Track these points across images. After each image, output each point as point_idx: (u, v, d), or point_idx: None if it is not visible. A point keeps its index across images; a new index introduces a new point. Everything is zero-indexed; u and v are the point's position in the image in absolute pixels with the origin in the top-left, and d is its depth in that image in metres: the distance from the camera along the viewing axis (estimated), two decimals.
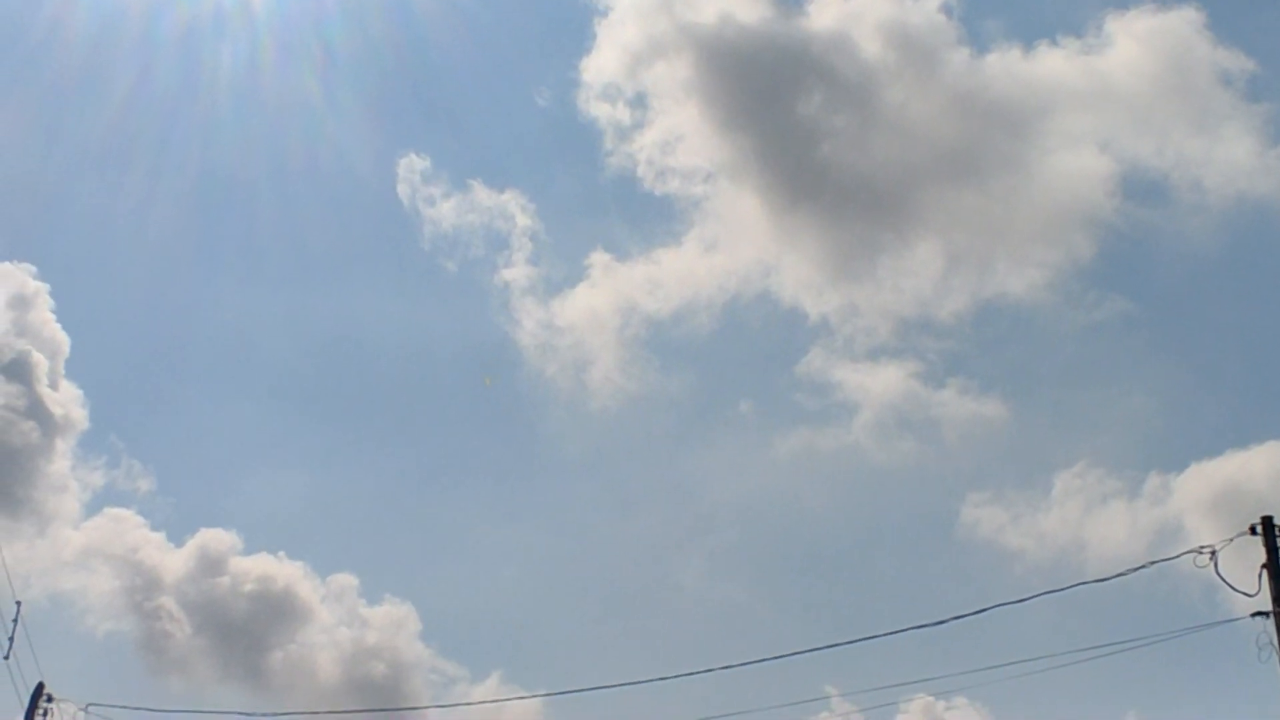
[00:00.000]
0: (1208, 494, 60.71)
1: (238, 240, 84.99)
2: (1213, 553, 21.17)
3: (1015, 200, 71.82)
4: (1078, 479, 70.58)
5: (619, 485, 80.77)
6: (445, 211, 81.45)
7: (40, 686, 27.83)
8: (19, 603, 28.19)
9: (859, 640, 25.97)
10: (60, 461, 59.81)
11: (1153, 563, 22.66)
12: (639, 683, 29.49)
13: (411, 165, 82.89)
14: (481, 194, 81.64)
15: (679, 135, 78.11)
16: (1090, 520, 69.49)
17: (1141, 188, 75.94)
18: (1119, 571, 22.96)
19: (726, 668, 27.75)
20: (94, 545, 60.59)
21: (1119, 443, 74.00)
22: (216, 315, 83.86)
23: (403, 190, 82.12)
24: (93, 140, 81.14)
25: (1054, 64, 74.37)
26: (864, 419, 76.03)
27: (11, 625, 27.70)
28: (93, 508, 64.88)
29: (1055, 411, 77.58)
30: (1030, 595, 24.33)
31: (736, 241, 78.80)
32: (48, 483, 58.66)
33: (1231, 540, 21.09)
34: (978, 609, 24.28)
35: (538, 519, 79.77)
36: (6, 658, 27.60)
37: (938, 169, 72.38)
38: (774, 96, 72.27)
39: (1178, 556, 21.85)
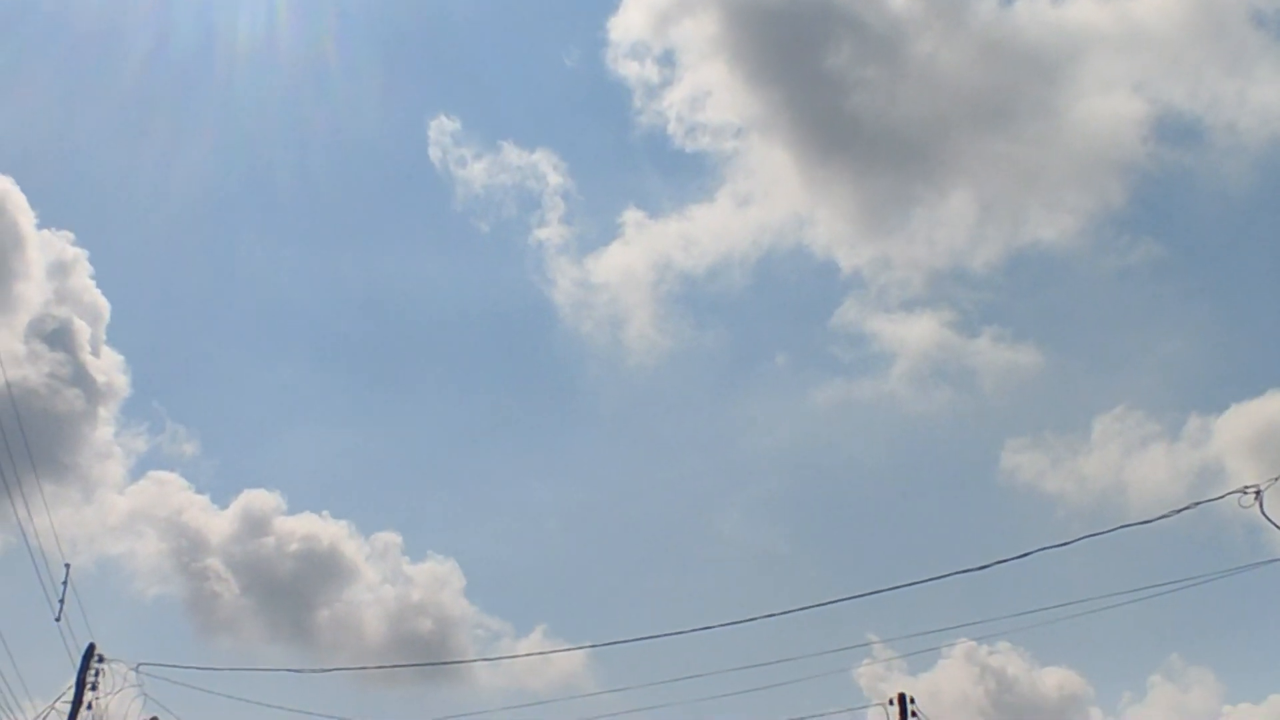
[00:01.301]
0: (1248, 434, 60.59)
1: (271, 203, 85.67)
2: (1258, 492, 21.18)
3: (1047, 147, 71.31)
4: (1117, 422, 70.40)
5: (658, 439, 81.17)
6: (476, 173, 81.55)
7: (91, 648, 28.01)
8: (68, 565, 28.36)
9: (901, 586, 26.24)
10: (104, 428, 60.68)
11: (1197, 504, 22.73)
12: (681, 633, 29.57)
13: (442, 127, 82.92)
14: (512, 154, 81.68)
15: (708, 91, 77.88)
16: (1130, 463, 69.38)
17: (1175, 131, 75.17)
18: (1162, 513, 23.09)
19: (769, 616, 28.02)
20: (139, 509, 61.51)
21: (1158, 385, 73.78)
22: (254, 277, 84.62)
23: (434, 153, 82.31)
24: (115, 107, 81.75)
25: (1084, 8, 73.51)
26: (900, 369, 76.14)
27: (61, 588, 27.84)
28: (137, 473, 65.96)
29: (1092, 356, 77.42)
30: (1073, 539, 24.28)
31: (769, 196, 78.64)
32: (92, 449, 59.58)
33: (1277, 479, 21.12)
34: (1020, 553, 24.24)
35: (578, 473, 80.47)
36: (58, 619, 27.77)
37: (969, 118, 71.87)
38: (802, 49, 71.64)
39: (1222, 497, 21.90)
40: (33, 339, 54.06)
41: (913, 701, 30.74)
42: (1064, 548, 24.14)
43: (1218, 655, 60.09)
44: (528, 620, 77.43)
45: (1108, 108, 71.67)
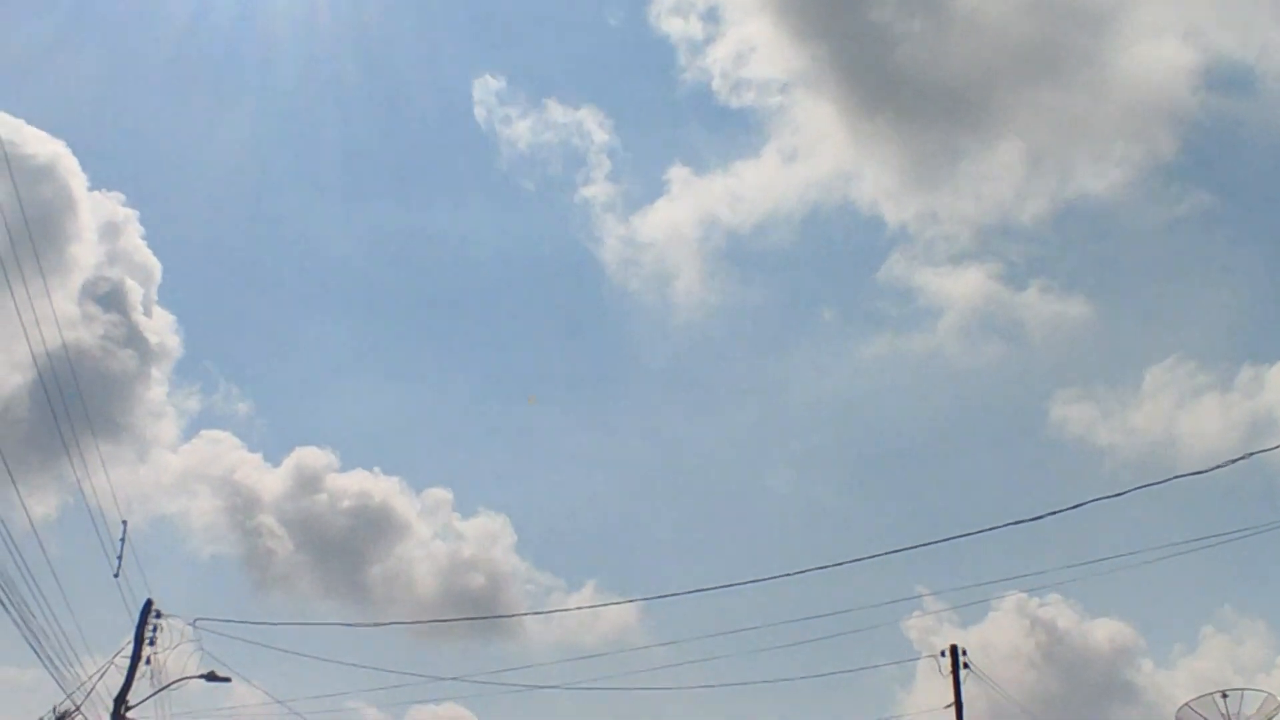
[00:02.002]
0: None
1: (317, 163, 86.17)
2: None
3: (1095, 97, 70.45)
4: (1168, 373, 69.86)
5: (706, 393, 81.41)
6: (521, 131, 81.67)
7: (149, 603, 28.43)
8: (125, 522, 28.75)
9: (951, 539, 25.93)
10: (156, 388, 61.66)
11: (1250, 454, 22.58)
12: (731, 586, 29.86)
13: (487, 86, 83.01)
14: (557, 112, 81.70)
15: (752, 47, 77.46)
16: (1182, 414, 68.91)
17: (1225, 79, 74.03)
18: (1216, 464, 22.92)
19: (818, 569, 28.05)
20: (193, 468, 62.55)
21: (1210, 336, 73.05)
22: (303, 235, 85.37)
23: (479, 112, 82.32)
24: (160, 68, 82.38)
25: None
26: (947, 323, 75.88)
27: (119, 544, 28.21)
28: (189, 432, 66.97)
29: (1143, 307, 76.75)
30: (1126, 489, 24.21)
31: (814, 151, 78.26)
32: (146, 409, 60.59)
33: None
34: (1073, 504, 23.90)
35: (627, 429, 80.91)
36: (117, 576, 28.16)
37: (1015, 69, 71.12)
38: (846, 2, 71.20)
39: (1276, 448, 21.77)
40: (86, 301, 55.03)
41: (964, 653, 31.11)
42: (1116, 499, 24.02)
43: (1271, 606, 59.86)
44: (578, 575, 78.37)
45: (1157, 56, 70.71)
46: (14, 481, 22.89)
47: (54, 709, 27.31)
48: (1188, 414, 69.45)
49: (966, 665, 31.01)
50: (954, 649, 31.13)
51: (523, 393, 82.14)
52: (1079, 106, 70.91)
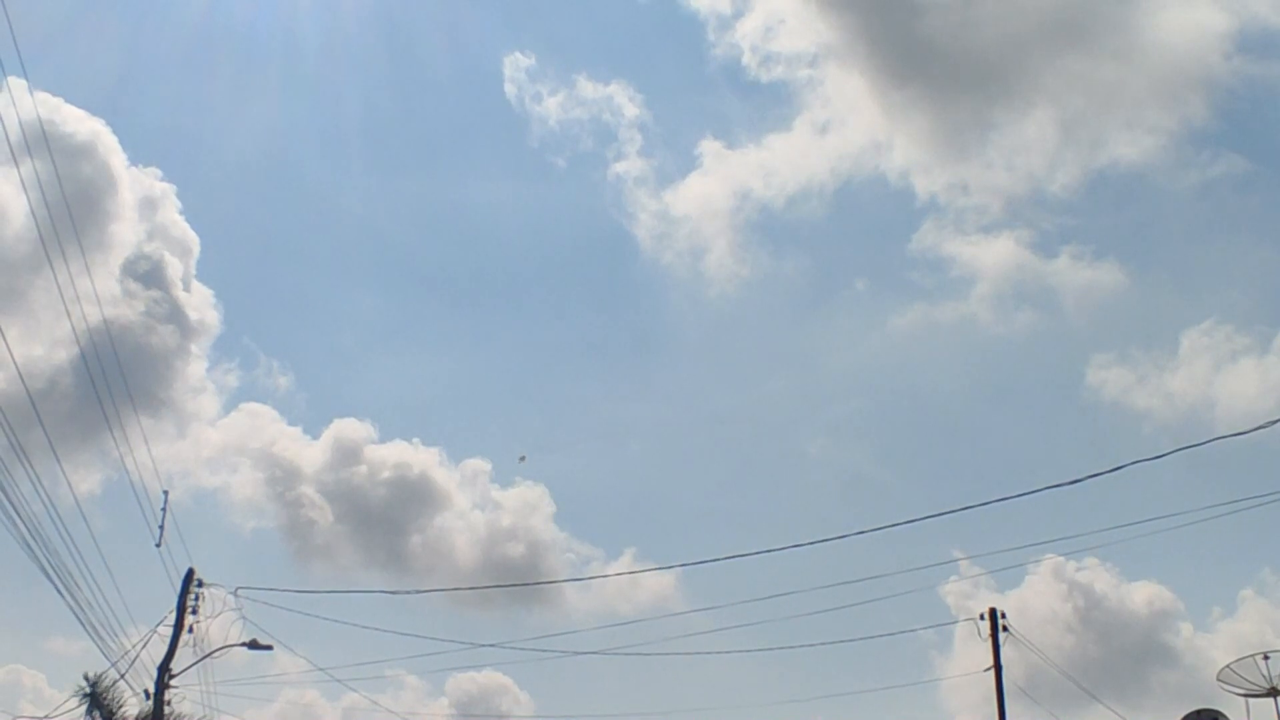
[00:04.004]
0: None
1: (349, 139, 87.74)
2: None
3: (1126, 64, 70.89)
4: (1205, 336, 70.28)
5: (741, 364, 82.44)
6: (552, 108, 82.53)
7: (191, 572, 29.18)
8: (166, 492, 29.64)
9: (988, 503, 26.50)
10: (196, 364, 63.13)
11: None
12: (768, 552, 30.38)
13: (516, 63, 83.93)
14: (587, 88, 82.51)
15: (781, 19, 78.10)
16: (1220, 377, 69.41)
17: (1258, 44, 74.37)
18: (1255, 425, 23.38)
19: (855, 534, 28.94)
20: (233, 442, 63.98)
21: (1245, 298, 73.46)
22: (338, 208, 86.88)
23: (509, 89, 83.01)
24: (187, 44, 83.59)
25: None
26: (980, 291, 76.56)
27: (160, 514, 29.18)
28: (229, 406, 68.33)
29: (1178, 271, 77.22)
30: (1164, 452, 24.70)
31: (845, 123, 78.89)
32: (186, 384, 62.13)
33: None
34: (1112, 467, 24.41)
35: (664, 399, 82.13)
36: (159, 545, 29.07)
37: (1046, 36, 71.42)
38: None
39: None
40: (127, 278, 56.18)
41: (1003, 616, 31.56)
42: (1154, 462, 24.45)
43: None
44: (617, 544, 79.85)
45: (1188, 21, 70.81)
46: (58, 458, 24.17)
47: (86, 677, 28.25)
48: (1225, 377, 69.92)
49: (1006, 629, 31.44)
50: (993, 612, 31.54)
51: (559, 365, 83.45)
52: (1110, 73, 71.29)
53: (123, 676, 28.45)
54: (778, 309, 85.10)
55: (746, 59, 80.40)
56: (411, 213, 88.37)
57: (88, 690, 28.26)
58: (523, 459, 63.49)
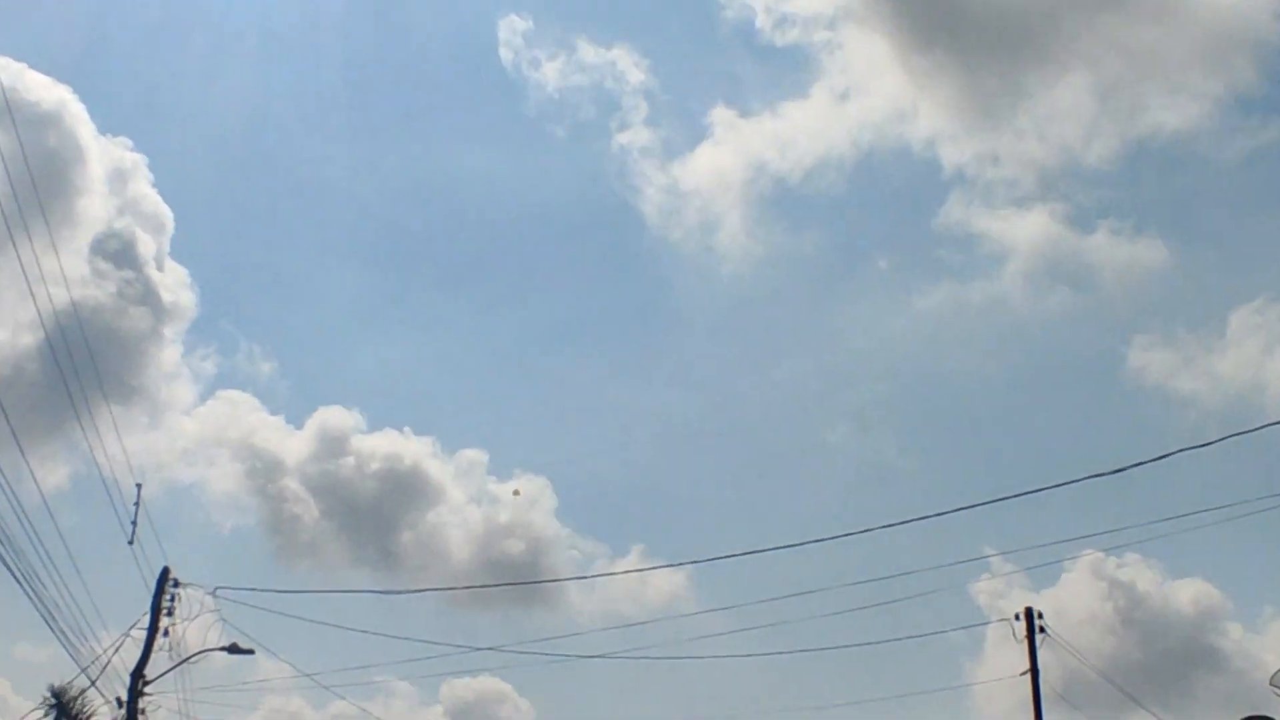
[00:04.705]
0: None
1: (334, 106, 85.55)
2: None
3: (1169, 26, 68.99)
4: (1255, 315, 68.38)
5: (756, 347, 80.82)
6: (550, 74, 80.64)
7: (166, 571, 28.38)
8: (139, 485, 28.72)
9: (1022, 495, 25.55)
10: (170, 348, 61.55)
11: None
12: (786, 547, 29.54)
13: (512, 26, 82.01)
14: (588, 53, 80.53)
15: None
16: (1271, 359, 67.57)
17: None
18: None
19: (879, 528, 27.66)
20: (210, 432, 62.40)
21: None
22: (321, 181, 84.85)
23: (504, 54, 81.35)
24: (159, 6, 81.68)
25: None
26: (1011, 269, 74.92)
27: (133, 509, 28.28)
28: (205, 394, 66.87)
29: (1224, 246, 75.22)
30: (1212, 440, 23.54)
31: (867, 90, 77.11)
32: (159, 370, 60.51)
33: None
34: (1157, 455, 23.53)
35: (673, 385, 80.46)
36: (131, 543, 28.22)
37: None
38: None
39: None
40: (96, 257, 54.75)
41: (1040, 616, 30.63)
42: (1201, 450, 23.50)
43: None
44: (624, 540, 78.05)
45: None
46: (22, 451, 22.96)
47: (51, 687, 27.33)
48: (1276, 358, 68.14)
49: (1043, 629, 30.61)
50: (1029, 612, 30.70)
51: (561, 348, 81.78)
52: (1151, 35, 69.40)
53: (93, 683, 27.68)
54: (795, 288, 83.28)
55: (760, 20, 78.57)
56: (401, 186, 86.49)
57: (53, 701, 26.93)
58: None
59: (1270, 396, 64.87)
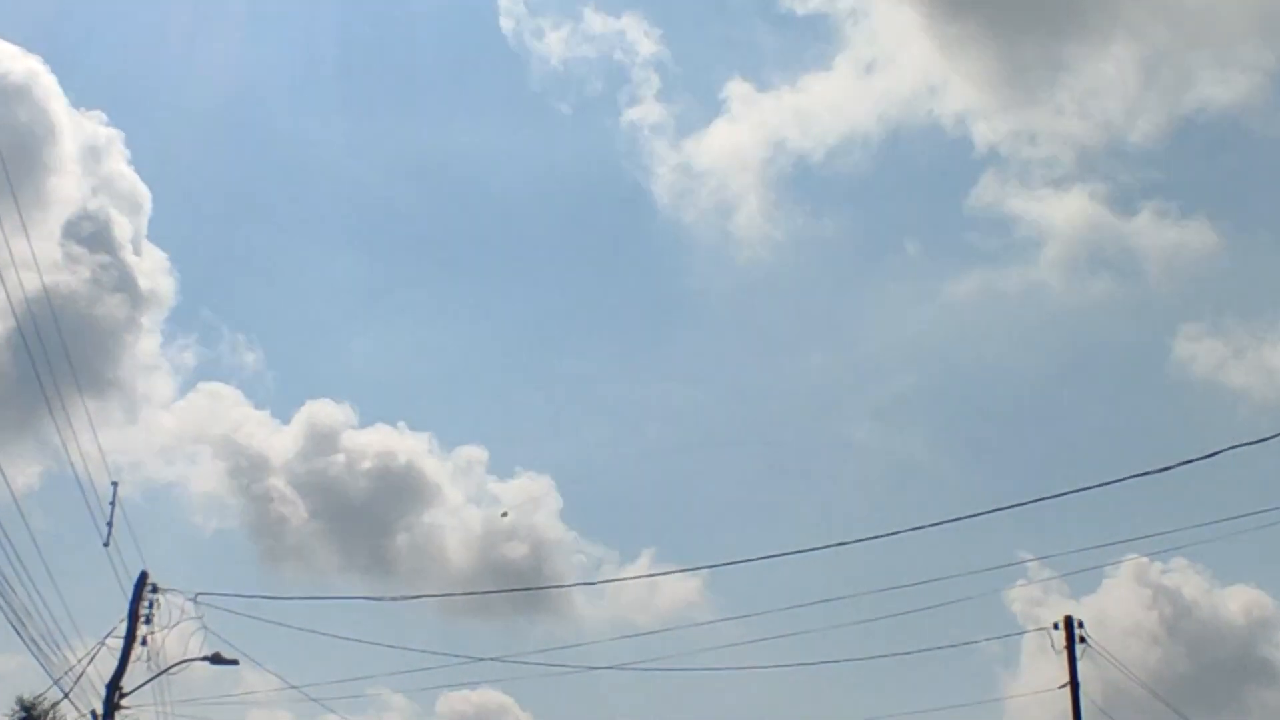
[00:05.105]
0: None
1: (325, 80, 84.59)
2: None
3: None
4: None
5: (774, 339, 79.64)
6: (555, 45, 79.38)
7: (144, 576, 27.73)
8: (115, 484, 28.12)
9: (1060, 495, 24.95)
10: (148, 338, 60.46)
11: None
12: (806, 552, 28.53)
13: None
14: (595, 22, 79.30)
15: None
16: None
17: None
18: None
19: (909, 530, 26.72)
20: (190, 428, 61.43)
21: None
22: (310, 160, 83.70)
23: (506, 24, 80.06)
24: None
25: None
26: (1049, 254, 73.71)
27: (109, 509, 27.64)
28: (186, 387, 65.66)
29: (1277, 229, 74.27)
30: (1265, 436, 22.32)
31: (894, 62, 76.08)
32: (136, 361, 59.58)
33: None
34: (1206, 453, 22.61)
35: (686, 378, 79.27)
36: (106, 545, 27.61)
37: None
38: None
39: None
40: (69, 240, 53.31)
41: (1081, 625, 30.01)
42: (1253, 447, 22.29)
43: None
44: (633, 544, 77.20)
45: None
46: None
47: (19, 700, 26.62)
48: None
49: (1083, 639, 29.97)
50: (1069, 621, 30.02)
51: (566, 338, 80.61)
52: (1200, 4, 68.14)
53: (66, 696, 27.15)
54: (816, 275, 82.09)
55: None
56: (395, 165, 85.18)
57: (21, 714, 26.07)
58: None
59: None
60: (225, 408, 62.86)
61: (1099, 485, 24.36)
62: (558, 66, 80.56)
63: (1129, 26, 70.06)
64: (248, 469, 60.22)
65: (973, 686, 56.24)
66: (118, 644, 27.11)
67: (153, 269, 60.97)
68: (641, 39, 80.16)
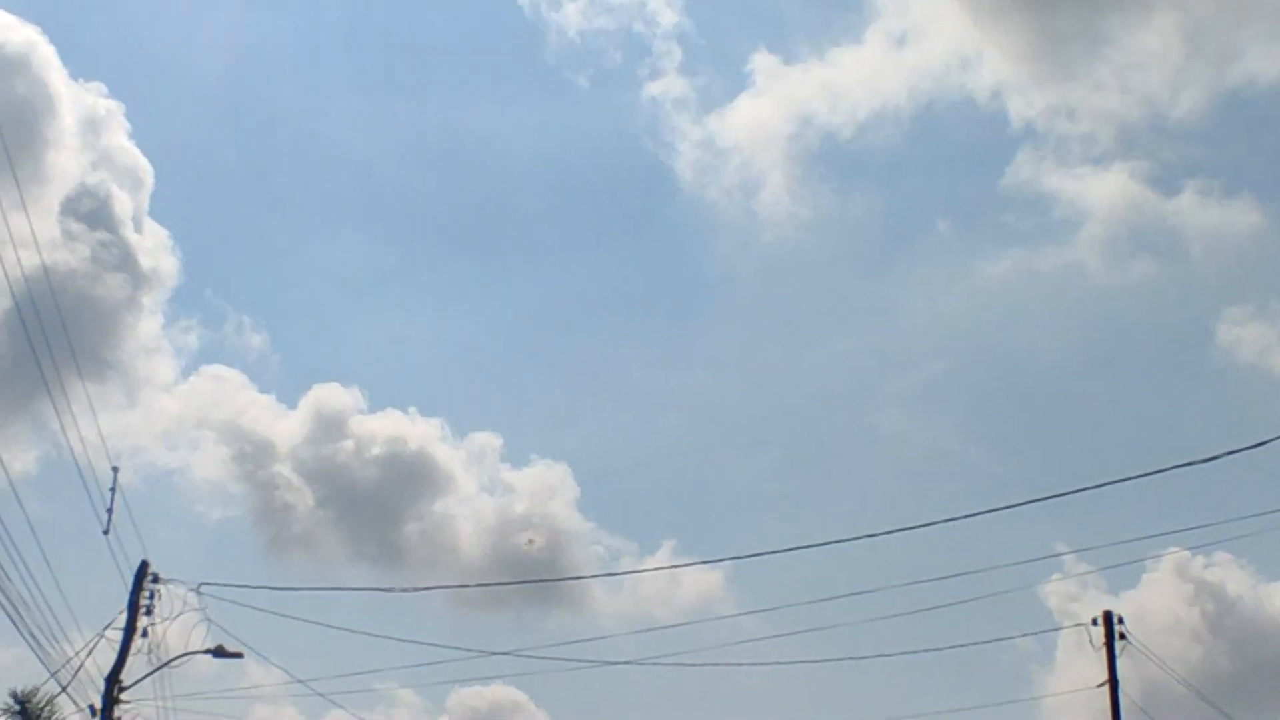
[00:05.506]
0: None
1: (333, 53, 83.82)
2: None
3: None
4: None
5: (800, 322, 79.11)
6: (571, 15, 78.84)
7: (144, 565, 27.48)
8: (115, 469, 27.90)
9: (1098, 486, 24.81)
10: (149, 319, 60.00)
11: None
12: (833, 543, 28.48)
13: None
14: None
15: None
16: None
17: None
18: None
19: (941, 522, 26.46)
20: (192, 412, 60.94)
21: None
22: (318, 136, 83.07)
23: None
24: None
25: None
26: (1087, 235, 72.85)
27: (109, 495, 27.43)
28: (188, 370, 65.18)
29: None
30: None
31: (927, 34, 75.29)
32: (137, 343, 59.12)
33: None
34: (1251, 443, 22.12)
35: (708, 362, 78.89)
36: (106, 532, 27.43)
37: None
38: None
39: None
40: (67, 217, 52.93)
41: (1121, 621, 29.61)
42: None
43: None
44: (653, 535, 76.84)
45: None
46: None
47: (14, 694, 26.20)
48: None
49: (1123, 636, 29.52)
50: (1108, 616, 29.57)
51: (583, 321, 80.00)
52: None
53: (64, 689, 26.59)
54: (844, 256, 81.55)
55: None
56: (405, 142, 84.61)
57: (16, 708, 25.89)
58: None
59: None
60: (229, 391, 62.43)
61: (1139, 476, 24.16)
62: (575, 38, 79.94)
63: (1166, 1, 69.13)
64: (252, 455, 59.70)
65: (1006, 684, 55.51)
66: (117, 636, 26.97)
67: (154, 247, 60.50)
68: (663, 9, 79.97)
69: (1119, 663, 29.63)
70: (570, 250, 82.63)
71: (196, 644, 27.58)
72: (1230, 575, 54.38)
